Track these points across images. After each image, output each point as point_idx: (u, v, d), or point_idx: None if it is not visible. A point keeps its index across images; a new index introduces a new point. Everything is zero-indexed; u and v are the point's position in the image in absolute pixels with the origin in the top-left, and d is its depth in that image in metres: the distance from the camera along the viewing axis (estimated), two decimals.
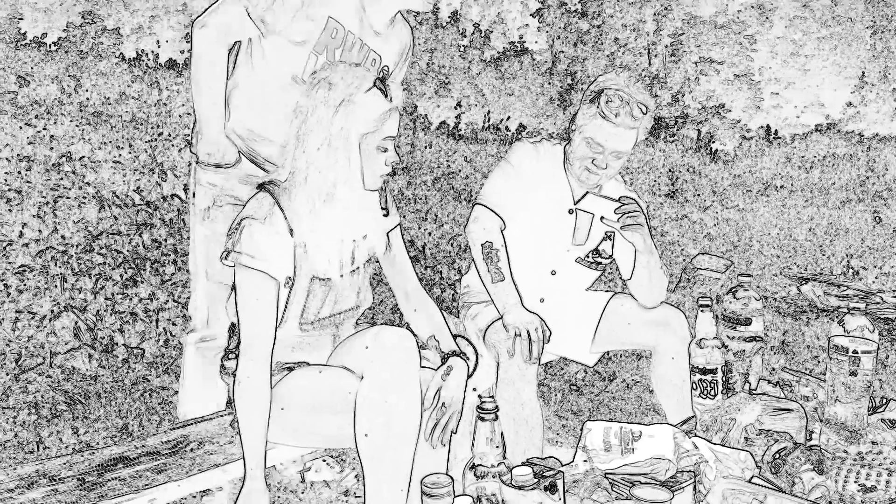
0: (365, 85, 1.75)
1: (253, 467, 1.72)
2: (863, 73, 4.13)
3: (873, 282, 3.88)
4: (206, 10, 2.14)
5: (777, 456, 1.68)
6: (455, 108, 4.41)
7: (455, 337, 2.12)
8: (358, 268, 1.89)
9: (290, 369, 1.85)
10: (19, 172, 3.61)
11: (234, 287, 1.78)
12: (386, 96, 1.76)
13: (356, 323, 2.00)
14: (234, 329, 1.87)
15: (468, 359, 1.91)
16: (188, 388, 2.36)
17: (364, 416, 1.70)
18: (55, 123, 3.83)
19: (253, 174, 2.22)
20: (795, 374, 2.17)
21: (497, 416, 1.54)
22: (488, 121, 4.41)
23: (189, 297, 2.39)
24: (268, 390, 1.74)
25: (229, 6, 2.12)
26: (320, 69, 1.83)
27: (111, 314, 3.18)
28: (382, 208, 1.93)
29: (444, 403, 1.81)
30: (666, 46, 4.31)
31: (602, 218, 2.28)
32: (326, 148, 1.75)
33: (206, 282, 2.31)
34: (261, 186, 1.81)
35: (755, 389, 2.12)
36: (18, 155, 3.66)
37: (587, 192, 2.33)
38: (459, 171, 4.26)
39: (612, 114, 2.18)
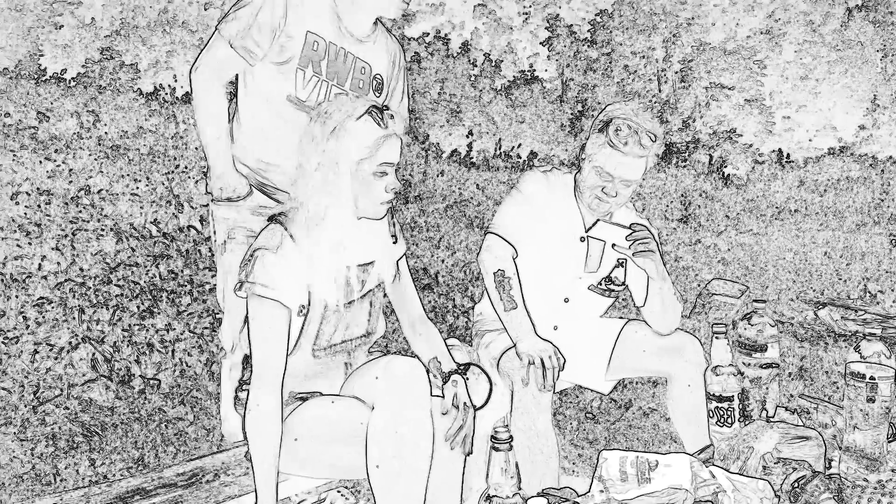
0: (357, 112, 1.78)
1: (265, 498, 1.72)
2: (874, 96, 4.13)
3: (891, 305, 3.83)
4: (198, 54, 2.24)
5: (796, 485, 1.66)
6: (467, 136, 4.44)
7: (468, 364, 2.13)
8: (366, 294, 1.90)
9: (303, 399, 1.85)
10: (39, 206, 3.67)
11: (246, 318, 1.79)
12: (380, 124, 1.79)
13: (369, 351, 2.01)
14: (247, 361, 1.89)
15: (465, 374, 1.93)
16: (225, 404, 2.46)
17: (375, 446, 1.69)
18: (74, 157, 3.90)
19: (264, 205, 2.28)
20: (813, 401, 2.15)
21: (511, 445, 1.54)
22: (500, 148, 4.44)
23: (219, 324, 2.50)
24: (279, 420, 1.75)
25: (215, 42, 2.22)
26: (323, 103, 1.87)
27: (128, 345, 3.20)
28: (392, 236, 1.95)
29: (465, 403, 1.83)
30: (676, 72, 4.33)
31: (613, 245, 2.28)
32: (319, 174, 1.78)
33: (228, 313, 2.38)
34: (271, 218, 1.84)
35: (773, 417, 2.09)
36: (38, 189, 3.73)
37: (598, 220, 2.34)
38: (471, 198, 4.28)
39: (620, 143, 2.19)
